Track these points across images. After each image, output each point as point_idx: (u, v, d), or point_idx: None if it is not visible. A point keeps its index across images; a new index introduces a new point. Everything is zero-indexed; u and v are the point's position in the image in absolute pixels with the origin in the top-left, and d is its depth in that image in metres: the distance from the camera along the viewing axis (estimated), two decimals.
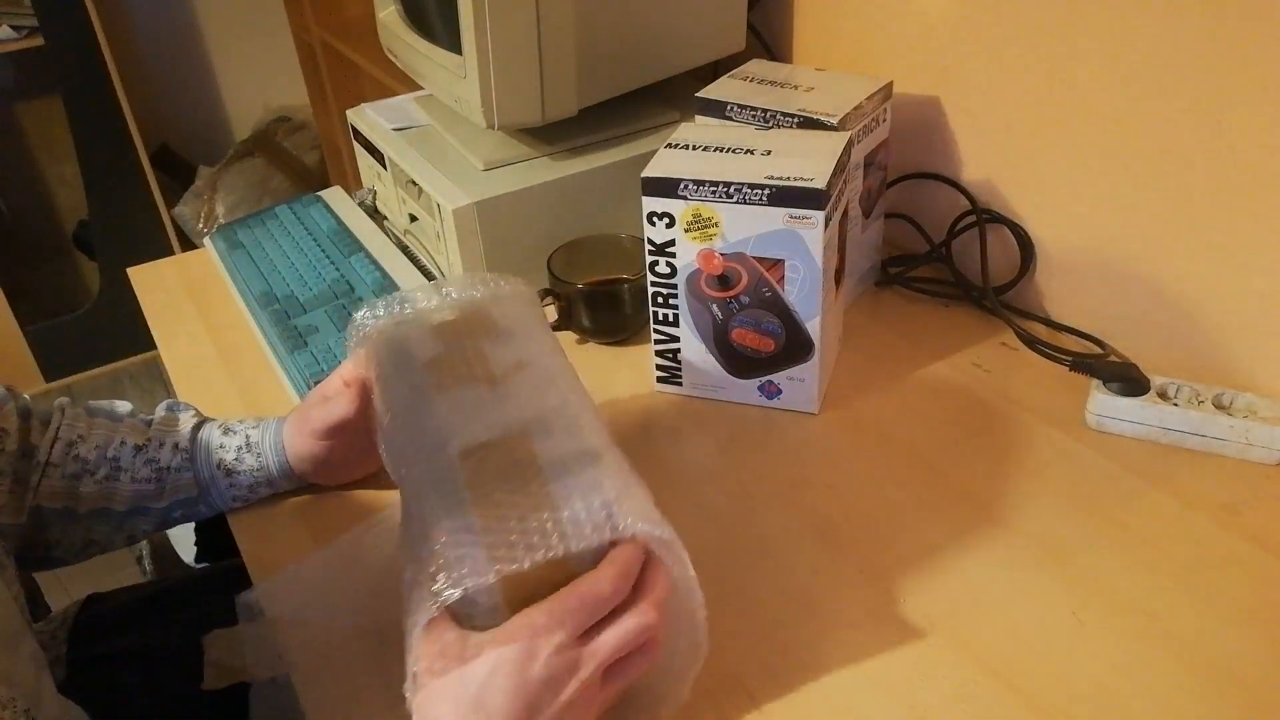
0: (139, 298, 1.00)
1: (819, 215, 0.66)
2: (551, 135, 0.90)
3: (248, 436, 0.69)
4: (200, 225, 2.23)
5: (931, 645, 0.56)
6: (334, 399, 0.65)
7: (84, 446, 0.67)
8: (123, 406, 0.71)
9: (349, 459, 0.68)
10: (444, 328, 0.57)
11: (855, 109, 0.77)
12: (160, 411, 0.72)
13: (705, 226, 0.69)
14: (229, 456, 0.68)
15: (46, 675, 0.57)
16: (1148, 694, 0.53)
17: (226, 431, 0.69)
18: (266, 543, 0.68)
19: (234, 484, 0.68)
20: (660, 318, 0.75)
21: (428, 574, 0.44)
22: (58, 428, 0.67)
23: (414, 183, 0.90)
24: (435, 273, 0.91)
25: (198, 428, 0.70)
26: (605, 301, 0.83)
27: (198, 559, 1.43)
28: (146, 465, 0.67)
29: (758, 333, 0.73)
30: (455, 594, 0.42)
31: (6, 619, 0.55)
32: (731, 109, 0.81)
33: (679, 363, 0.77)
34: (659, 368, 0.78)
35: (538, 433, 0.50)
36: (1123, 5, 0.71)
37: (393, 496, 0.66)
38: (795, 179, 0.66)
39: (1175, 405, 0.69)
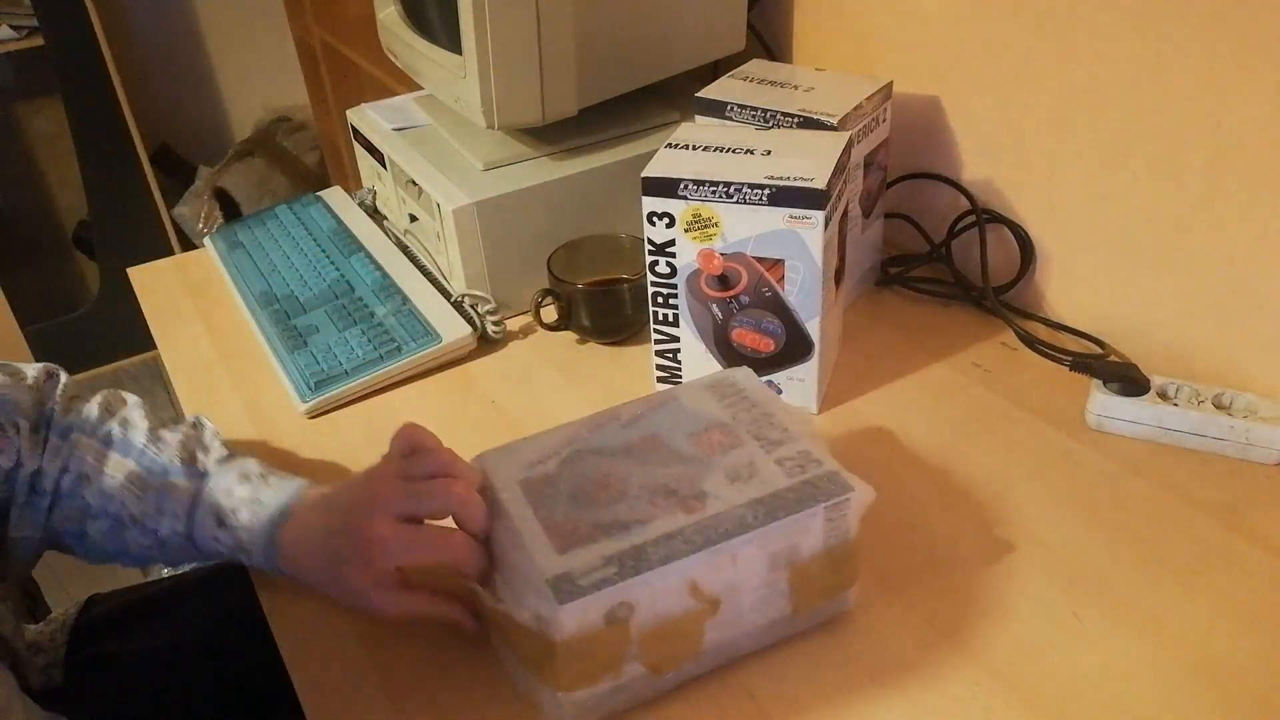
0: (139, 298, 1.00)
1: (819, 215, 0.66)
2: (551, 135, 0.90)
3: (239, 540, 0.61)
4: (200, 225, 2.23)
5: (930, 644, 0.56)
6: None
7: (89, 489, 0.63)
8: (136, 433, 0.65)
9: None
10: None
11: (855, 109, 0.77)
12: (171, 453, 0.64)
13: (705, 226, 0.69)
14: (222, 548, 0.63)
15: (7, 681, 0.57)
16: (1148, 694, 0.53)
17: (221, 524, 0.62)
18: None
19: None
20: (660, 318, 0.75)
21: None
22: (66, 459, 0.64)
23: (414, 183, 0.90)
24: (435, 273, 0.91)
25: (193, 504, 0.63)
26: (605, 301, 0.83)
27: None
28: (145, 535, 0.64)
29: (758, 333, 0.73)
30: None
31: None
32: (731, 109, 0.81)
33: (679, 363, 0.77)
34: (659, 368, 0.78)
35: None
36: (1122, 5, 0.71)
37: None
38: (795, 179, 0.66)
39: (1175, 405, 0.69)
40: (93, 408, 0.67)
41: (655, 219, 0.70)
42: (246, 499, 0.62)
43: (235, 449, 0.67)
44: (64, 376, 0.69)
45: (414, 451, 0.58)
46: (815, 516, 0.52)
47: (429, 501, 0.55)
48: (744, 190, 0.67)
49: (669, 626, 0.51)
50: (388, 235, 0.97)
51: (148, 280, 1.03)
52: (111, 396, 0.69)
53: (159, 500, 0.63)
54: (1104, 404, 0.70)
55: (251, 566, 0.63)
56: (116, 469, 0.64)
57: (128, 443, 0.65)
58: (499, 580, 0.52)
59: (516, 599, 0.50)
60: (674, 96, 0.96)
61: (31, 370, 0.68)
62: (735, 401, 0.60)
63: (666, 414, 0.59)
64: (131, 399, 0.69)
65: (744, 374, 0.63)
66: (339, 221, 1.00)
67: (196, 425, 0.68)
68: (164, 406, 2.16)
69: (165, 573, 1.62)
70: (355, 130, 1.04)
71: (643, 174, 0.69)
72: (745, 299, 0.71)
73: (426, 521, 0.56)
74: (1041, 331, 0.82)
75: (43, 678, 0.75)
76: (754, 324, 0.72)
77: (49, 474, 0.64)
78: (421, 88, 1.00)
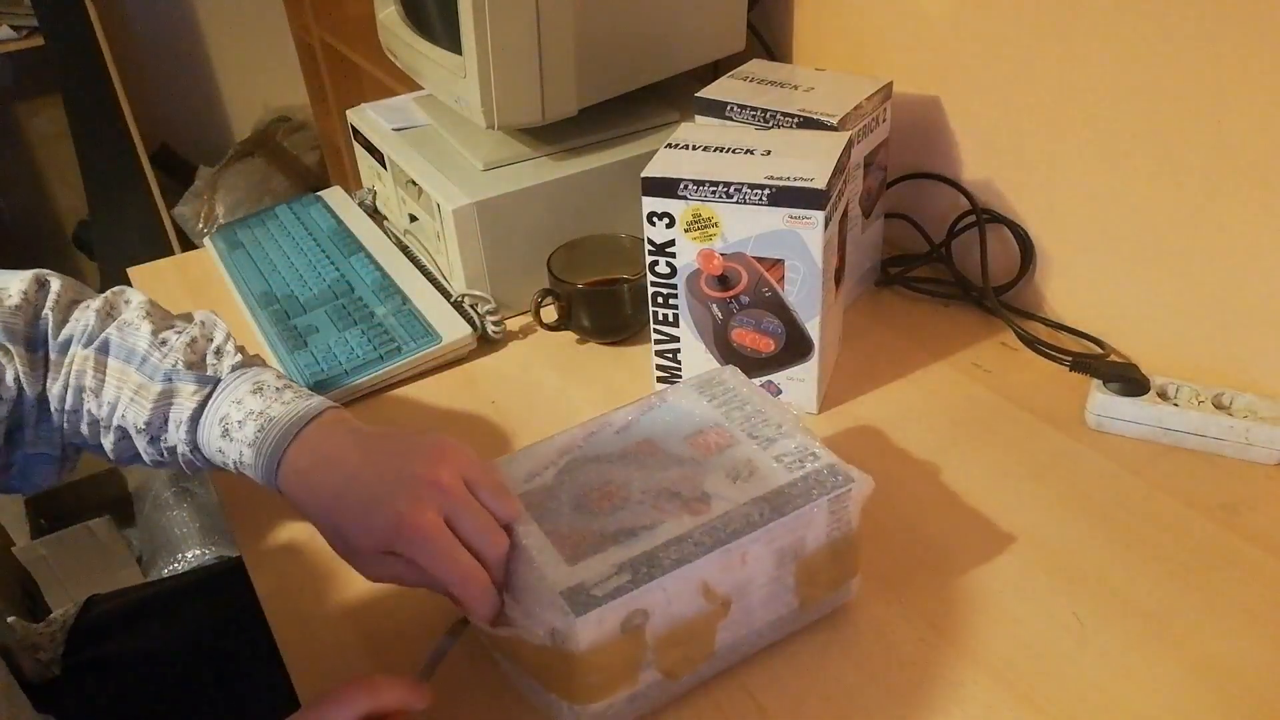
0: None
1: (819, 215, 0.66)
2: (551, 135, 0.90)
3: (241, 455, 0.58)
4: (200, 225, 2.23)
5: (930, 645, 0.56)
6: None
7: (93, 402, 0.61)
8: (139, 337, 0.61)
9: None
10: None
11: (855, 109, 0.77)
12: (176, 358, 0.61)
13: (705, 226, 0.69)
14: (228, 461, 0.60)
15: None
16: (1148, 694, 0.53)
17: (226, 435, 0.59)
18: (266, 542, 0.68)
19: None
20: (660, 318, 0.75)
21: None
22: (67, 375, 0.62)
23: (414, 183, 0.90)
24: (435, 273, 0.91)
25: (199, 412, 0.60)
26: (605, 301, 0.83)
27: None
28: (152, 445, 0.62)
29: (758, 333, 0.73)
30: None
31: None
32: (731, 109, 0.81)
33: (679, 363, 0.77)
34: (659, 368, 0.78)
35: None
36: (1122, 5, 0.71)
37: None
38: (795, 179, 0.66)
39: (1175, 405, 0.69)
40: (89, 314, 0.62)
41: (655, 219, 0.70)
42: (255, 411, 0.57)
43: (252, 356, 0.63)
44: (55, 283, 0.64)
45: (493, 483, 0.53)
46: (820, 509, 0.53)
47: (482, 538, 0.50)
48: (744, 190, 0.67)
49: (683, 630, 0.51)
50: (388, 235, 0.97)
51: (148, 280, 1.03)
52: (114, 297, 0.64)
53: (164, 410, 0.60)
54: (1104, 404, 0.70)
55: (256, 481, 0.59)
56: (119, 378, 0.61)
57: (129, 349, 0.61)
58: (506, 599, 0.51)
59: (528, 615, 0.49)
60: (674, 96, 0.96)
61: (17, 284, 0.62)
62: (726, 401, 0.60)
63: (659, 417, 0.59)
64: (136, 299, 0.64)
65: (731, 373, 0.63)
66: (339, 221, 1.00)
67: (205, 324, 0.63)
68: None
69: (165, 573, 1.62)
70: (355, 130, 1.04)
71: (643, 174, 0.69)
72: (745, 299, 0.71)
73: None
74: (1041, 331, 0.82)
75: (39, 669, 0.75)
76: (754, 324, 0.72)
77: (54, 392, 0.61)
78: (421, 88, 1.00)
